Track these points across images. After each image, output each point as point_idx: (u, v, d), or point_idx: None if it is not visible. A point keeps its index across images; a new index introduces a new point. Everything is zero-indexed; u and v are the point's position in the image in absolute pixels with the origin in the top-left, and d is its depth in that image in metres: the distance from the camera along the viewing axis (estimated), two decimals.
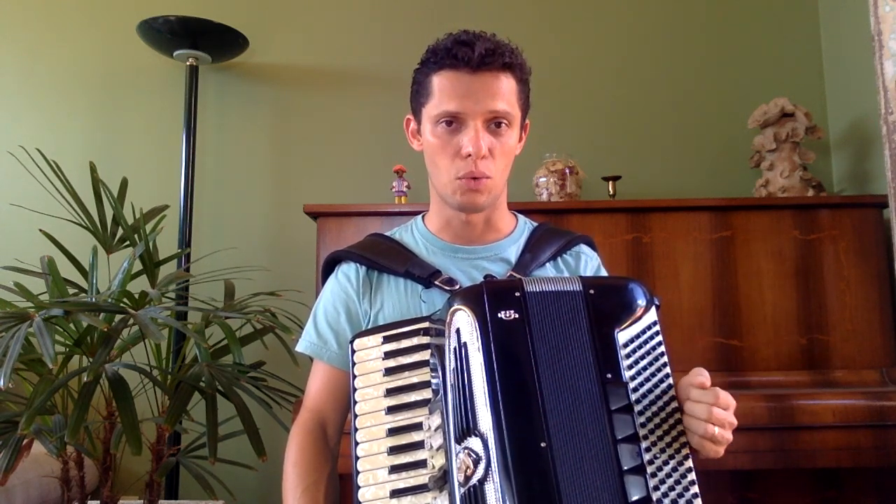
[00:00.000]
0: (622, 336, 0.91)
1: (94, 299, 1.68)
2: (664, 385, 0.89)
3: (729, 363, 1.93)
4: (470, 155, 1.05)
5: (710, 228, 2.00)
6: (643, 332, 0.92)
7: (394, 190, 2.20)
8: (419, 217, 1.25)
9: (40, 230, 1.82)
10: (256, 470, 1.81)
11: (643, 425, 0.86)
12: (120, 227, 1.87)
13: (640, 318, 0.93)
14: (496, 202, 1.15)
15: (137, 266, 1.79)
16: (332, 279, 1.21)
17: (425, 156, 1.14)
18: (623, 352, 0.90)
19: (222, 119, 2.54)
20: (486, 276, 1.09)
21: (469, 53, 1.04)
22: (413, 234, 1.22)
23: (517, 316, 0.90)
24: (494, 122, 1.07)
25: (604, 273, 1.24)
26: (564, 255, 1.20)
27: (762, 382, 1.89)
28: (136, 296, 1.59)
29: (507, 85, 1.07)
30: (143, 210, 1.92)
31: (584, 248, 1.24)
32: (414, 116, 1.17)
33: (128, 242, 1.87)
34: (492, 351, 0.87)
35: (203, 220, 2.46)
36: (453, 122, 1.07)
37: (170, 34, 2.29)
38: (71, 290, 1.74)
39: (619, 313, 0.93)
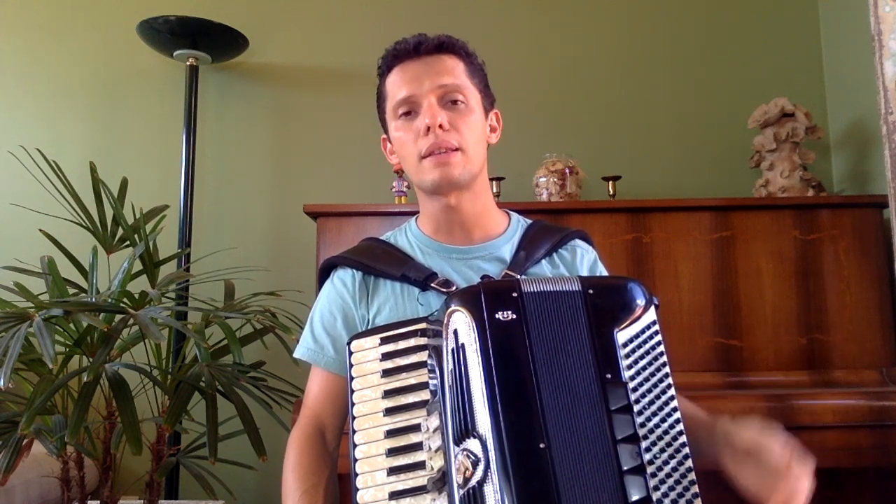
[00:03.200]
0: (621, 336, 0.90)
1: (94, 299, 1.68)
2: (663, 385, 0.89)
3: (729, 363, 1.93)
4: (430, 128, 1.07)
5: (710, 228, 2.00)
6: (642, 331, 0.92)
7: (394, 190, 2.20)
8: (412, 220, 1.25)
9: (40, 230, 1.82)
10: (256, 470, 1.81)
11: (643, 425, 0.85)
12: (120, 227, 1.87)
13: (639, 317, 0.92)
14: (475, 188, 1.15)
15: (137, 266, 1.80)
16: (328, 285, 1.21)
17: (399, 158, 1.17)
18: (622, 352, 0.89)
19: (222, 119, 2.54)
20: (482, 277, 1.09)
21: (405, 44, 1.12)
22: (407, 237, 1.22)
23: (514, 316, 0.90)
24: (450, 99, 1.10)
25: (601, 266, 1.23)
26: (560, 251, 1.20)
27: (762, 382, 1.89)
28: (136, 296, 1.59)
29: (449, 63, 1.12)
30: (143, 210, 1.92)
31: (579, 242, 1.23)
32: (385, 132, 1.21)
33: (128, 242, 1.87)
34: (489, 352, 0.87)
35: (203, 220, 2.46)
36: (409, 110, 1.11)
37: (170, 34, 2.29)
38: (71, 290, 1.74)
39: (619, 313, 0.92)
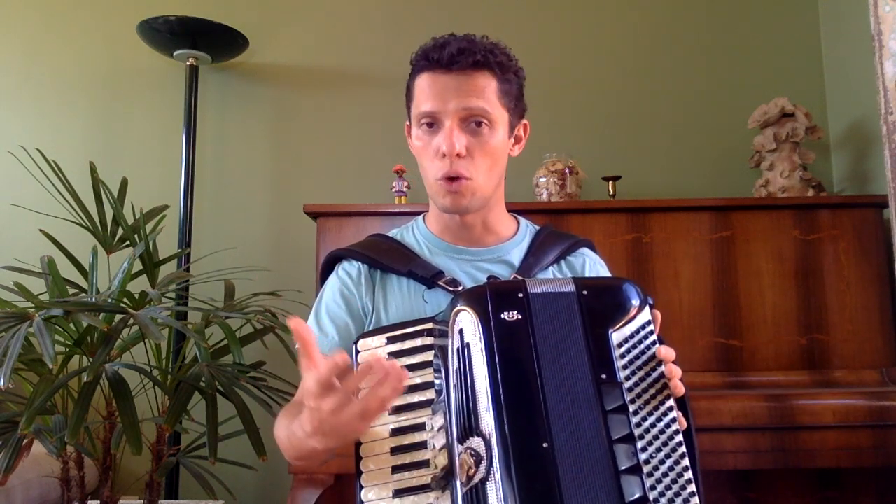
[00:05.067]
0: (616, 336, 0.90)
1: (94, 299, 1.68)
2: (659, 385, 0.89)
3: (729, 363, 1.93)
4: (445, 155, 1.06)
5: (710, 228, 2.00)
6: (637, 331, 0.92)
7: (394, 190, 2.20)
8: (420, 218, 1.24)
9: (40, 230, 1.82)
10: (256, 470, 1.81)
11: (638, 425, 0.85)
12: (120, 227, 1.87)
13: (633, 317, 0.92)
14: (488, 204, 1.15)
15: (137, 266, 1.80)
16: (332, 277, 1.20)
17: (417, 160, 1.16)
18: (617, 352, 0.89)
19: (222, 119, 2.54)
20: (489, 278, 1.09)
21: (440, 53, 1.07)
22: (414, 235, 1.22)
23: (520, 317, 0.90)
24: (473, 122, 1.07)
25: (606, 275, 1.23)
26: (568, 258, 1.20)
27: (762, 382, 1.89)
28: (136, 296, 1.59)
29: (482, 83, 1.07)
30: (143, 210, 1.92)
31: (587, 250, 1.24)
32: (409, 121, 1.19)
33: (128, 242, 1.87)
34: (494, 352, 0.87)
35: (203, 220, 2.46)
36: (432, 122, 1.09)
37: (170, 34, 2.29)
38: (71, 290, 1.75)
39: (613, 314, 0.92)
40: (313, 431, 0.81)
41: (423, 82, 1.09)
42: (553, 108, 2.49)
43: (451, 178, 1.07)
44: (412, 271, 1.12)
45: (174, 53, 2.36)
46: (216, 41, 2.34)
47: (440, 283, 1.10)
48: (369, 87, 2.53)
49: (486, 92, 1.07)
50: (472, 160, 1.07)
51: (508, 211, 1.26)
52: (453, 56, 1.06)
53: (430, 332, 0.99)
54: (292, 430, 0.89)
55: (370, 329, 1.09)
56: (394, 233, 1.25)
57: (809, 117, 2.19)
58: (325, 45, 2.57)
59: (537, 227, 1.25)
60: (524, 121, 1.19)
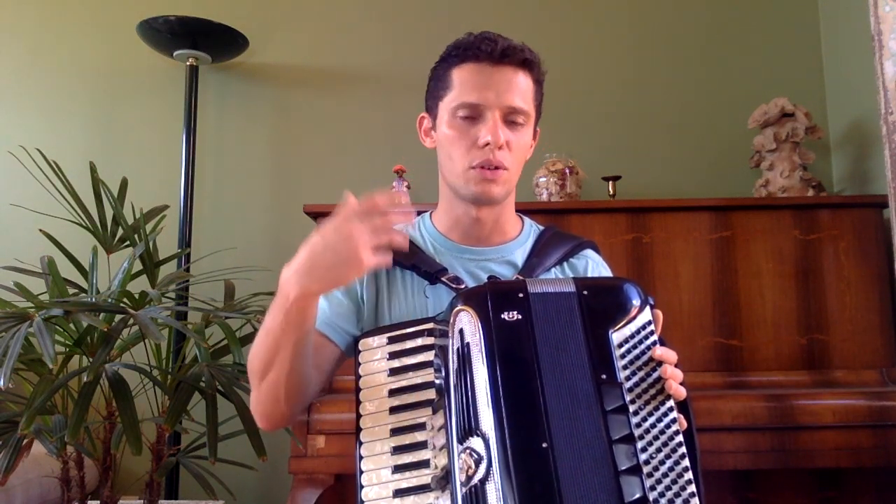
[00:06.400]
0: (616, 336, 0.91)
1: (94, 299, 1.68)
2: (659, 385, 0.89)
3: (729, 363, 1.93)
4: (487, 144, 1.07)
5: (710, 228, 2.00)
6: (637, 332, 0.92)
7: (394, 190, 2.20)
8: (426, 214, 1.25)
9: (40, 230, 1.82)
10: (256, 470, 1.81)
11: (638, 425, 0.85)
12: (120, 227, 1.87)
13: (634, 318, 0.93)
14: (506, 201, 1.16)
15: (137, 266, 1.80)
16: None
17: (439, 150, 1.16)
18: (618, 352, 0.90)
19: (222, 119, 2.53)
20: (489, 277, 1.09)
21: (492, 46, 1.08)
22: (420, 231, 1.22)
23: (520, 317, 0.90)
24: (512, 120, 1.09)
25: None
26: (571, 260, 1.20)
27: (762, 382, 1.89)
28: (136, 296, 1.59)
29: (524, 83, 1.10)
30: (143, 210, 1.92)
31: (590, 252, 1.24)
32: (428, 113, 1.18)
33: (128, 242, 1.87)
34: (494, 352, 0.87)
35: (203, 220, 2.46)
36: (472, 113, 1.09)
37: (170, 34, 2.29)
38: (71, 290, 1.74)
39: (614, 314, 0.93)
40: (304, 265, 0.96)
41: (467, 73, 1.09)
42: (553, 108, 2.44)
43: (489, 168, 1.08)
44: (416, 265, 1.12)
45: (174, 53, 2.36)
46: (216, 41, 2.34)
47: (443, 279, 1.10)
48: (369, 87, 2.53)
49: (527, 92, 1.11)
50: (511, 152, 1.09)
51: (520, 214, 1.26)
52: (505, 51, 1.08)
53: (430, 332, 0.99)
54: (270, 309, 0.97)
55: (371, 328, 1.10)
56: (399, 227, 1.25)
57: (809, 117, 2.19)
58: (325, 45, 2.57)
59: (541, 228, 1.25)
60: (537, 127, 1.21)
